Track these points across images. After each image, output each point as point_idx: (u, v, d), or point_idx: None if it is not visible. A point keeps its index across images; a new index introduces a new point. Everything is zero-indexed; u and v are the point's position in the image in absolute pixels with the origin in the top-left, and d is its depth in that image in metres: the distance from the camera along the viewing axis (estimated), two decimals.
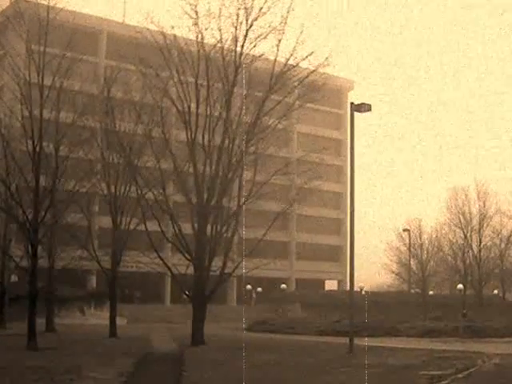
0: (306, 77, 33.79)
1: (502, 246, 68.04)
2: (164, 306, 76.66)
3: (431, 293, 75.58)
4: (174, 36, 33.21)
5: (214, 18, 32.31)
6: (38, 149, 31.10)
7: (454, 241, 67.50)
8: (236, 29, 32.54)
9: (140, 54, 34.50)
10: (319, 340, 37.09)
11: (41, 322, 37.72)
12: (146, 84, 35.43)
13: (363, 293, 78.25)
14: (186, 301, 36.85)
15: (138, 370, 21.85)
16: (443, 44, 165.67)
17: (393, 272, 73.46)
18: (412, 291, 69.25)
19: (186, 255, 33.72)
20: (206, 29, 32.58)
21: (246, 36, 32.68)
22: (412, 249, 68.07)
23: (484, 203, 67.06)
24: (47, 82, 31.89)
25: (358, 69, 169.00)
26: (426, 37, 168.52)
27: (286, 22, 32.33)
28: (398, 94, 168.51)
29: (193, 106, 33.63)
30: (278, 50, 32.90)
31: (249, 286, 79.61)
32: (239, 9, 32.26)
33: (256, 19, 32.37)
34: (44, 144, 31.62)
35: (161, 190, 34.25)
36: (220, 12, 32.22)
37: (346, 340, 28.85)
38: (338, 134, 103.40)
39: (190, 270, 34.17)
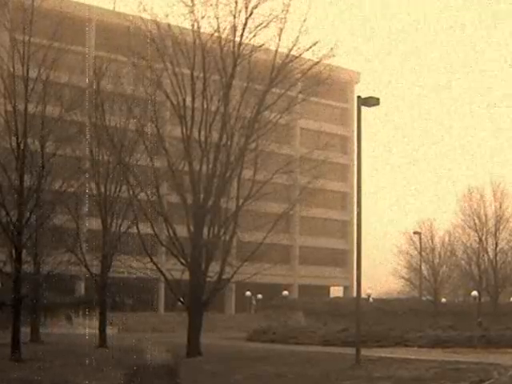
0: (310, 68, 33.83)
1: None
2: (158, 314, 76.66)
3: (444, 300, 75.59)
4: (169, 25, 33.26)
5: (211, 5, 32.45)
6: (22, 146, 31.11)
7: (469, 244, 67.41)
8: (235, 17, 32.61)
9: (132, 44, 34.53)
10: (324, 350, 37.11)
11: (25, 332, 37.71)
12: (138, 76, 35.47)
13: (371, 300, 78.42)
14: (182, 309, 36.87)
15: (129, 383, 21.86)
16: (455, 35, 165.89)
17: (402, 278, 73.46)
18: (423, 298, 69.23)
19: (181, 260, 33.74)
20: (203, 17, 32.69)
21: (245, 25, 32.73)
22: (423, 253, 68.04)
23: (500, 204, 67.03)
24: (32, 74, 31.89)
25: (365, 60, 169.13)
26: (437, 27, 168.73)
27: (288, 10, 32.46)
28: (408, 87, 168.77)
29: (188, 99, 33.67)
30: (279, 39, 33.07)
31: (248, 293, 79.74)
32: None
33: (256, 7, 32.45)
34: (29, 140, 31.63)
35: (154, 190, 34.27)
36: None
37: (352, 350, 28.89)
38: (344, 129, 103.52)
39: (186, 276, 34.19)
